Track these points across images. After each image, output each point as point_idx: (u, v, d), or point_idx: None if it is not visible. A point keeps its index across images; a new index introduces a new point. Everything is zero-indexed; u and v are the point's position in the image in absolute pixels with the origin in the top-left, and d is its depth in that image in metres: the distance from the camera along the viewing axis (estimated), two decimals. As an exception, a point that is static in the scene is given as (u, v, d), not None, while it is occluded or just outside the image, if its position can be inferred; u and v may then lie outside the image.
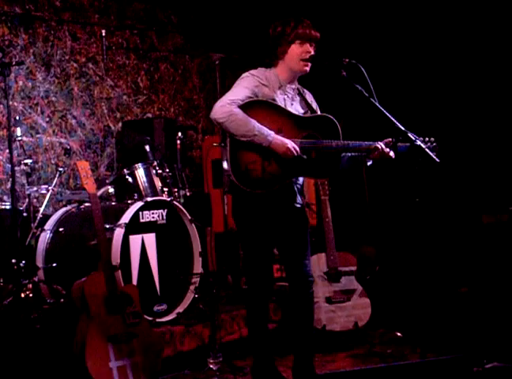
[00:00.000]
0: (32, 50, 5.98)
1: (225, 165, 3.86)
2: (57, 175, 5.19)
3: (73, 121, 6.26)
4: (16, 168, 5.02)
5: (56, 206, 5.82)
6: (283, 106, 3.97)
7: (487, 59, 5.97)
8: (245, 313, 4.43)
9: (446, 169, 4.63)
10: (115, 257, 4.61)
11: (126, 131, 6.48)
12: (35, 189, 5.09)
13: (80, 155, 6.28)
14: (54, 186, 5.17)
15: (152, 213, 4.94)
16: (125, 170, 5.33)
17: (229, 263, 5.95)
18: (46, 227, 4.96)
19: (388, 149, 4.00)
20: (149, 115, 6.86)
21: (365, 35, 6.45)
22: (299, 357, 4.12)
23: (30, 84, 5.97)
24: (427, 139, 4.04)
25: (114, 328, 4.04)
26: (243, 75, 3.99)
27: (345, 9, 6.55)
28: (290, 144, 3.84)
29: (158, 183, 5.37)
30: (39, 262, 4.86)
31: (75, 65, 6.29)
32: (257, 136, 3.80)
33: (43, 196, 5.29)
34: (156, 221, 4.96)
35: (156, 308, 4.85)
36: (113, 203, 5.22)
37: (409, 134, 3.82)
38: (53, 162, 6.04)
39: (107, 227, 4.63)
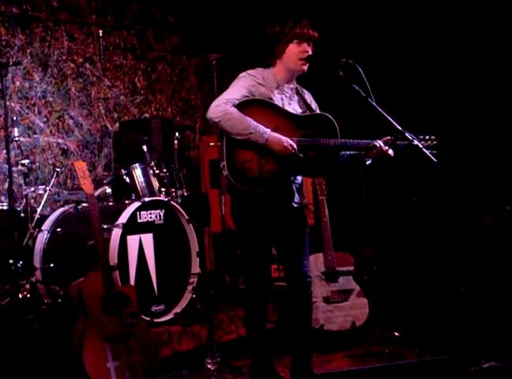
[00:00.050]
0: (29, 51, 5.98)
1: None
2: (54, 175, 5.18)
3: (71, 122, 6.25)
4: (14, 168, 5.03)
5: (53, 206, 5.82)
6: (280, 105, 3.97)
7: (484, 58, 5.98)
8: (243, 313, 4.44)
9: (443, 168, 4.63)
10: (113, 257, 4.61)
11: (124, 131, 6.48)
12: (32, 189, 5.08)
13: (78, 155, 6.28)
14: (52, 187, 5.17)
15: (150, 213, 4.94)
16: (122, 170, 5.33)
17: (227, 263, 5.95)
18: (43, 227, 4.95)
19: (387, 147, 3.99)
20: (147, 115, 6.85)
21: (362, 35, 6.45)
22: (297, 357, 4.12)
23: (27, 84, 5.97)
24: (427, 137, 4.04)
25: (112, 329, 4.04)
26: (240, 75, 3.99)
27: (342, 8, 6.55)
28: (287, 141, 3.83)
29: (155, 183, 5.37)
30: (37, 262, 4.86)
31: (72, 65, 6.29)
32: (253, 134, 3.80)
33: (41, 196, 5.29)
34: (154, 221, 4.96)
35: (153, 308, 4.84)
36: (110, 203, 5.22)
37: (407, 134, 3.82)
38: (50, 162, 6.03)
39: (105, 227, 4.63)
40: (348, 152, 4.08)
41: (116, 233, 4.68)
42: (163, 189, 5.39)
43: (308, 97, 4.17)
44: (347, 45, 6.18)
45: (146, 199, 4.95)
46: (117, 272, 4.58)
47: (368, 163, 4.09)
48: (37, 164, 5.96)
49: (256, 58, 4.24)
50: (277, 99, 3.99)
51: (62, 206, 5.27)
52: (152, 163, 5.42)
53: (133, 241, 4.81)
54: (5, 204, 4.93)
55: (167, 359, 4.56)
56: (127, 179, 5.28)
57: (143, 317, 4.37)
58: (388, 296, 5.67)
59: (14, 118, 5.19)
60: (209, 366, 4.45)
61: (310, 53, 3.97)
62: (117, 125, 6.58)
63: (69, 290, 4.16)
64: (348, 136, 4.01)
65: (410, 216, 5.50)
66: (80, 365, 3.90)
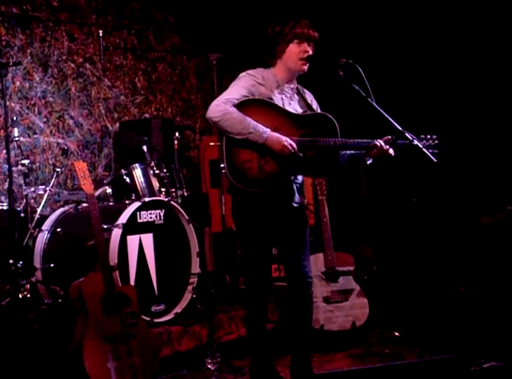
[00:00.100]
0: (29, 51, 5.98)
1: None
2: (54, 176, 5.19)
3: (71, 122, 6.25)
4: (14, 169, 5.03)
5: (54, 206, 5.82)
6: (280, 105, 3.97)
7: (483, 59, 5.98)
8: (243, 313, 4.44)
9: (443, 169, 4.63)
10: (113, 257, 4.61)
11: (124, 131, 6.48)
12: (32, 189, 5.09)
13: (78, 155, 6.28)
14: (52, 187, 5.17)
15: (150, 213, 4.94)
16: (122, 170, 5.33)
17: (227, 263, 5.95)
18: (43, 227, 4.95)
19: (387, 146, 3.99)
20: (147, 115, 6.86)
21: (362, 34, 6.45)
22: (297, 357, 4.12)
23: (27, 84, 5.97)
24: (428, 136, 4.03)
25: (112, 329, 4.04)
26: (240, 75, 3.99)
27: (342, 9, 6.55)
28: (286, 140, 3.83)
29: (155, 183, 5.37)
30: (37, 263, 4.86)
31: (72, 65, 6.29)
32: (253, 133, 3.80)
33: (41, 196, 5.29)
34: (154, 221, 4.96)
35: (153, 308, 4.84)
36: (110, 203, 5.22)
37: (407, 134, 3.83)
38: (50, 162, 6.03)
39: (105, 227, 4.63)
40: (348, 152, 4.07)
41: (116, 233, 4.68)
42: (163, 190, 5.39)
43: (309, 97, 4.16)
44: (347, 45, 6.18)
45: (146, 199, 4.96)
46: (117, 272, 4.58)
47: (369, 162, 4.09)
48: (37, 164, 5.96)
49: (256, 58, 4.24)
50: (277, 98, 3.98)
51: (62, 206, 5.27)
52: (153, 163, 5.42)
53: (133, 241, 4.81)
54: (5, 204, 4.93)
55: (167, 359, 4.56)
56: (127, 179, 5.29)
57: (143, 317, 4.37)
58: (388, 296, 5.67)
59: (14, 118, 5.19)
60: (209, 366, 4.45)
61: (311, 53, 3.97)
62: (117, 125, 6.59)
63: (70, 290, 4.16)
64: (348, 136, 4.00)
65: (410, 216, 5.51)
66: (80, 365, 3.90)
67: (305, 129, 3.95)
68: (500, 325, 4.90)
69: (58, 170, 5.20)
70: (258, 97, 3.92)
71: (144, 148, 5.75)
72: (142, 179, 5.32)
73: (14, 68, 5.71)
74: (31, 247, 4.92)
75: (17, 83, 5.89)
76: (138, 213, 4.86)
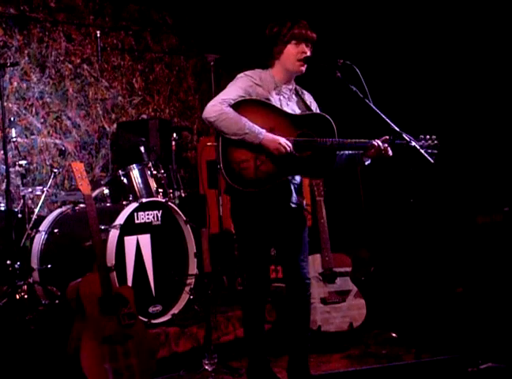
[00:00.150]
0: (26, 51, 5.98)
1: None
2: (52, 176, 5.19)
3: (68, 123, 6.25)
4: (11, 169, 5.02)
5: (51, 207, 5.82)
6: (278, 106, 3.97)
7: (481, 60, 5.98)
8: (240, 314, 4.43)
9: (441, 169, 4.63)
10: (110, 258, 4.61)
11: (121, 132, 6.47)
12: (29, 190, 5.08)
13: (75, 156, 6.27)
14: (49, 187, 5.17)
15: (147, 214, 4.94)
16: (120, 171, 5.33)
17: (224, 264, 5.95)
18: (41, 228, 4.95)
19: (386, 145, 3.98)
20: (144, 116, 6.85)
21: (360, 36, 6.46)
22: (295, 358, 4.12)
23: (25, 85, 5.96)
24: (427, 136, 4.03)
25: (109, 329, 4.04)
26: (238, 76, 4.00)
27: (340, 9, 6.55)
28: (282, 140, 3.83)
29: (153, 184, 5.37)
30: (34, 263, 4.86)
31: (70, 66, 6.29)
32: (248, 134, 3.80)
33: (38, 197, 5.28)
34: (151, 222, 4.96)
35: (151, 309, 4.84)
36: (108, 204, 5.22)
37: (404, 135, 3.83)
38: (48, 163, 6.03)
39: (102, 228, 4.63)
40: (346, 152, 4.07)
41: (113, 234, 4.68)
42: (160, 190, 5.39)
43: (308, 98, 4.16)
44: (345, 46, 6.18)
45: (144, 200, 4.96)
46: (114, 272, 4.58)
47: (367, 163, 4.08)
48: (35, 165, 5.95)
49: (254, 59, 4.24)
50: (275, 99, 3.98)
51: (60, 207, 5.28)
52: (150, 164, 5.42)
53: (130, 242, 4.81)
54: (3, 204, 4.92)
55: (164, 360, 4.56)
56: (125, 180, 5.28)
57: (140, 317, 4.36)
58: (385, 297, 5.68)
59: (12, 119, 5.19)
60: (207, 367, 4.45)
61: (309, 54, 3.96)
62: (114, 126, 6.58)
63: (67, 291, 4.16)
64: (345, 137, 4.00)
65: (407, 217, 5.51)
66: (77, 366, 3.90)
67: (302, 129, 3.95)
68: (497, 326, 4.91)
69: (56, 170, 5.20)
70: (255, 97, 3.92)
71: (142, 148, 5.75)
72: (140, 180, 5.32)
73: (12, 68, 5.71)
74: (28, 248, 4.92)
75: (15, 83, 5.89)
76: (136, 214, 4.86)
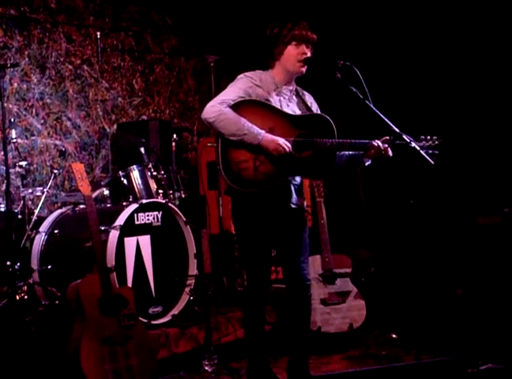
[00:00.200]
0: (26, 52, 5.98)
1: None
2: (52, 177, 5.19)
3: (68, 123, 6.25)
4: (11, 170, 5.01)
5: (51, 208, 5.81)
6: (278, 107, 3.97)
7: (481, 60, 5.98)
8: (240, 315, 4.43)
9: (441, 170, 4.63)
10: (110, 259, 4.61)
11: (121, 133, 6.47)
12: (30, 191, 5.08)
13: (76, 157, 6.27)
14: (49, 188, 5.17)
15: (147, 215, 4.94)
16: (120, 172, 5.33)
17: (224, 265, 5.95)
18: (41, 229, 4.95)
19: (386, 145, 3.97)
20: (144, 117, 6.85)
21: (360, 37, 6.46)
22: (295, 359, 4.12)
23: (25, 86, 5.97)
24: (428, 137, 4.02)
25: (109, 330, 4.04)
26: (238, 77, 3.99)
27: (341, 11, 6.55)
28: (281, 140, 3.83)
29: (153, 185, 5.37)
30: (34, 264, 4.86)
31: (70, 67, 6.29)
32: (247, 135, 3.79)
33: (38, 198, 5.28)
34: (151, 223, 4.96)
35: (151, 310, 4.84)
36: (108, 205, 5.22)
37: (404, 136, 3.83)
38: (48, 164, 6.02)
39: (102, 229, 4.63)
40: (346, 153, 4.06)
41: (114, 235, 4.68)
42: (160, 191, 5.39)
43: (309, 99, 4.15)
44: (345, 47, 6.18)
45: (144, 201, 4.96)
46: (114, 273, 4.58)
47: (367, 163, 4.08)
48: (35, 166, 5.95)
49: (254, 60, 4.24)
50: (275, 100, 3.98)
51: (60, 208, 5.28)
52: (150, 165, 5.42)
53: (130, 243, 4.81)
54: (3, 205, 4.92)
55: (164, 361, 4.55)
56: (125, 181, 5.28)
57: (140, 318, 4.36)
58: (385, 298, 5.67)
59: (12, 120, 5.19)
60: (207, 368, 4.45)
61: (309, 55, 3.96)
62: (115, 126, 6.58)
63: (67, 291, 4.16)
64: (345, 137, 4.00)
65: (407, 218, 5.51)
66: (77, 366, 3.90)
67: (302, 130, 3.94)
68: (497, 327, 4.91)
69: (56, 171, 5.20)
70: (255, 98, 3.91)
71: (142, 149, 5.75)
72: (140, 181, 5.32)
73: (12, 69, 5.72)
74: (28, 249, 4.92)
75: (15, 84, 5.89)
76: (136, 215, 4.87)
